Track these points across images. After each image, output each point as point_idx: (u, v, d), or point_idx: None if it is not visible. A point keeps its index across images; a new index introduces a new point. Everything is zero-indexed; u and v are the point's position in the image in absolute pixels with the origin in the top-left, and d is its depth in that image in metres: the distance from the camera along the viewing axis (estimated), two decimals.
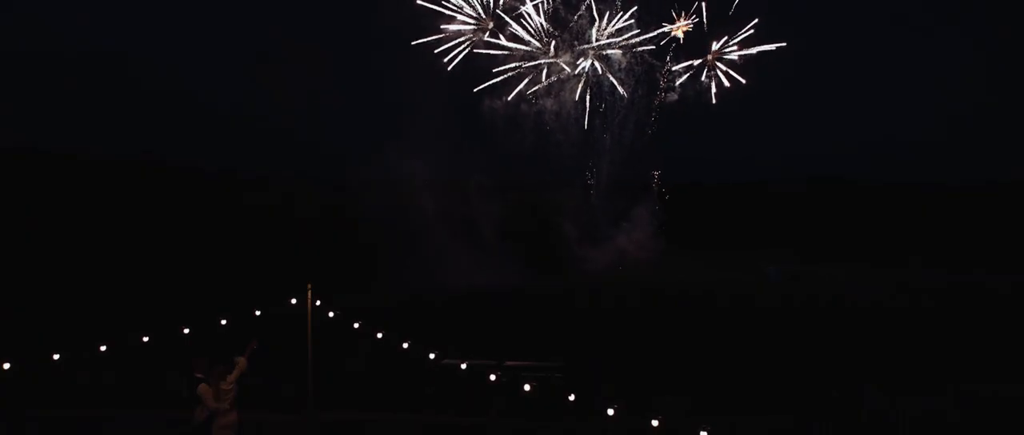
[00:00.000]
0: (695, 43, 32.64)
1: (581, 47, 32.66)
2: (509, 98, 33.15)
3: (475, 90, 33.06)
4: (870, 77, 33.05)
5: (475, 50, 32.97)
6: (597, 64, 32.91)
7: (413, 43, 32.62)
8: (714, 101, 32.82)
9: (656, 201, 34.96)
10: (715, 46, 32.46)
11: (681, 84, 32.76)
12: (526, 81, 33.13)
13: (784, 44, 31.95)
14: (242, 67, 34.65)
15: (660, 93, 33.13)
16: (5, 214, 30.59)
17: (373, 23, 33.41)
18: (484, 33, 32.76)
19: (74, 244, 30.76)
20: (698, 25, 32.36)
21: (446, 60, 32.92)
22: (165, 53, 33.11)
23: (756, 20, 31.89)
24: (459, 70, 32.92)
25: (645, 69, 32.99)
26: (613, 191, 34.59)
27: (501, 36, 32.90)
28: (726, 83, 32.86)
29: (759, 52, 32.18)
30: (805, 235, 33.64)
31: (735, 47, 32.25)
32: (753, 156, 33.78)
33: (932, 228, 32.89)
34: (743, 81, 32.64)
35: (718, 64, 32.51)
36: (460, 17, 32.73)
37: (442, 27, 32.74)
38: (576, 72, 32.93)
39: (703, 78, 32.64)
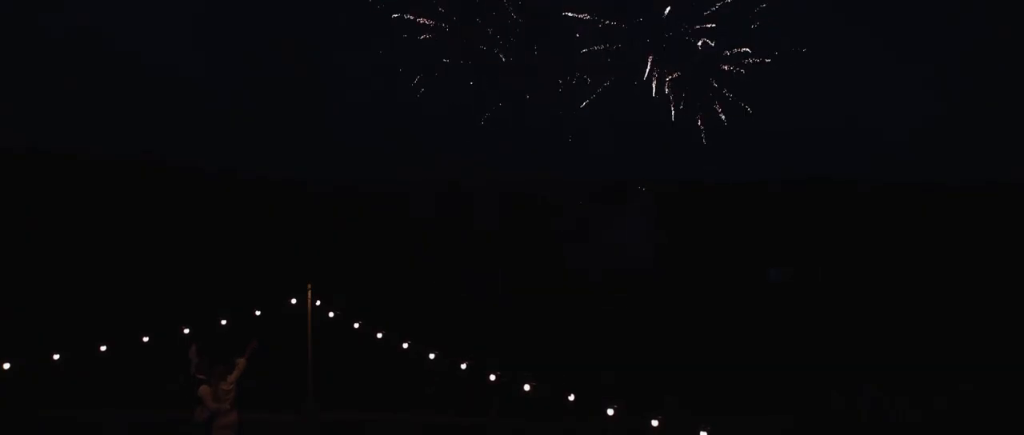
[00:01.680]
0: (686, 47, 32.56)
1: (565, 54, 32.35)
2: (490, 113, 33.16)
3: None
4: (870, 76, 32.98)
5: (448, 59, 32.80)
6: (587, 78, 32.79)
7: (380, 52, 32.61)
8: (703, 137, 32.64)
9: (654, 202, 34.90)
10: (699, 44, 32.01)
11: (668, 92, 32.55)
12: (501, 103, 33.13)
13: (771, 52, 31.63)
14: (243, 66, 34.55)
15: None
16: (5, 214, 30.57)
17: (373, 21, 33.41)
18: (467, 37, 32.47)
19: (74, 244, 30.73)
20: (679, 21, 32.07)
21: (416, 83, 32.74)
22: (165, 52, 32.95)
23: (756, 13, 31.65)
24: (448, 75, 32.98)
25: (631, 72, 32.89)
26: (609, 192, 34.57)
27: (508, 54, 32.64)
28: (720, 112, 32.46)
29: (758, 62, 32.03)
30: (805, 236, 33.60)
31: (728, 55, 32.01)
32: (752, 156, 33.71)
33: (932, 228, 32.85)
34: (749, 110, 32.33)
35: (713, 82, 32.23)
36: (423, 21, 32.32)
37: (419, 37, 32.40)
38: (561, 88, 32.83)
39: (684, 97, 32.39)
